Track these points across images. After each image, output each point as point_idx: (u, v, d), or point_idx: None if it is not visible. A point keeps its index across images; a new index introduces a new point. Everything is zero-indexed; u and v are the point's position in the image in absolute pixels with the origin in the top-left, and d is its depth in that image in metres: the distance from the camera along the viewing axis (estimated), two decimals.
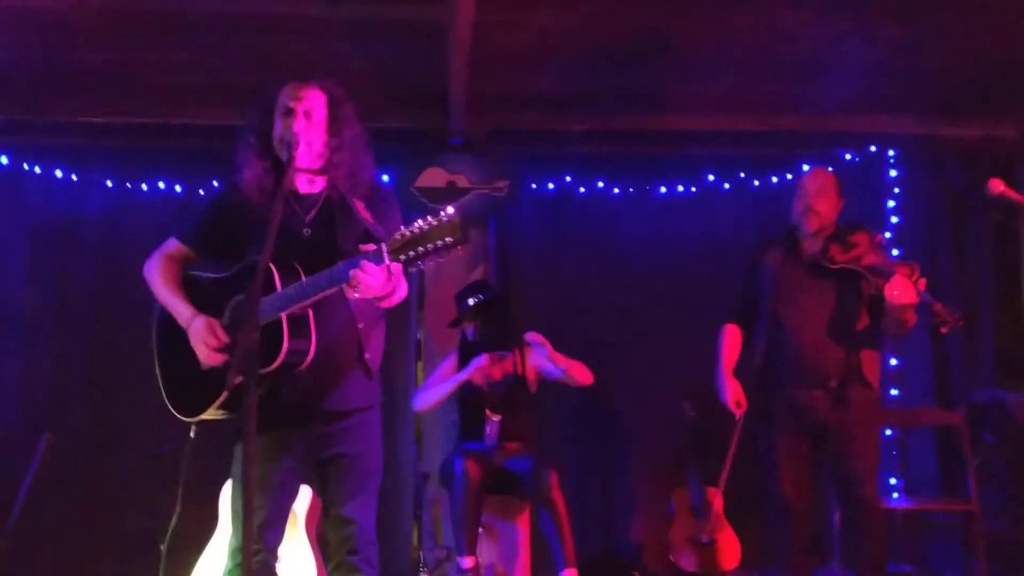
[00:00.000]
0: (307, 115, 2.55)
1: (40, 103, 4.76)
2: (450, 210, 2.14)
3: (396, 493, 4.85)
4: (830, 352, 3.49)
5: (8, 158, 4.90)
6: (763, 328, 3.66)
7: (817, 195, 3.62)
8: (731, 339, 3.80)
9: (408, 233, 2.16)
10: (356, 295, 2.32)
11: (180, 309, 2.57)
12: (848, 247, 3.51)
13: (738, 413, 3.75)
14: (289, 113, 2.54)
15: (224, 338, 2.47)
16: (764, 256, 3.74)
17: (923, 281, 3.30)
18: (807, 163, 5.22)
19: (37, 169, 4.94)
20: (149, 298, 2.68)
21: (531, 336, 4.16)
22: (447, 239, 2.12)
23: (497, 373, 4.28)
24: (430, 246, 2.13)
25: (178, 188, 5.02)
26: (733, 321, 3.83)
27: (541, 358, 4.20)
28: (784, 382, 3.56)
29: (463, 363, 4.38)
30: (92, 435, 4.75)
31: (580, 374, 4.24)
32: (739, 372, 3.80)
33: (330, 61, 4.30)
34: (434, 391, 4.30)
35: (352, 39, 4.20)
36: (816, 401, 3.49)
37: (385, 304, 2.52)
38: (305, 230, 2.59)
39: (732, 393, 3.71)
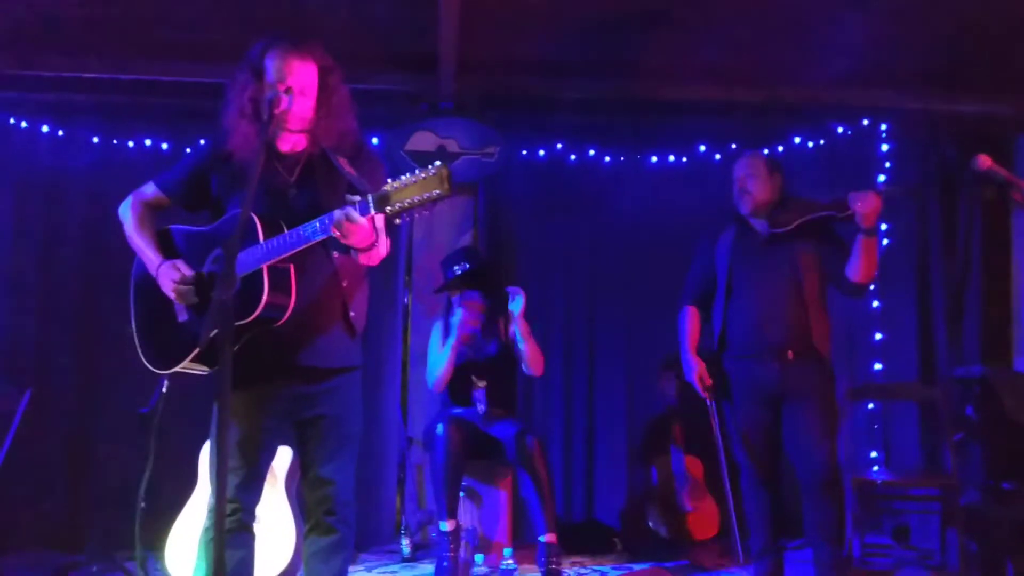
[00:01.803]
0: (302, 92, 2.52)
1: (27, 57, 4.70)
2: (438, 163, 2.13)
3: (380, 457, 4.87)
4: (785, 325, 3.64)
5: None
6: (720, 306, 3.81)
7: (747, 178, 3.79)
8: (691, 321, 3.96)
9: (395, 185, 2.16)
10: (340, 237, 2.30)
11: (150, 256, 2.58)
12: (795, 207, 3.69)
13: (702, 389, 3.88)
14: (287, 92, 2.48)
15: (187, 272, 2.48)
16: (716, 239, 3.89)
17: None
18: (799, 135, 5.22)
19: (23, 124, 4.90)
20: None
21: (512, 289, 4.20)
22: (434, 192, 2.11)
23: (474, 319, 4.26)
24: (416, 198, 2.13)
25: (164, 145, 4.99)
26: (691, 304, 3.98)
27: (514, 310, 4.20)
28: (742, 355, 3.71)
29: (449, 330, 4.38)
30: (75, 391, 4.76)
31: (534, 357, 4.25)
32: (702, 349, 3.92)
33: (321, 21, 4.25)
34: (439, 366, 4.27)
35: None
36: (773, 372, 3.63)
37: (365, 260, 2.51)
38: (290, 190, 2.57)
39: (696, 370, 3.87)
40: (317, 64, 2.56)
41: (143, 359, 2.59)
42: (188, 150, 4.90)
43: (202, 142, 4.75)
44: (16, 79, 4.78)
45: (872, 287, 4.62)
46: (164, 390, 3.55)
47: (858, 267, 3.58)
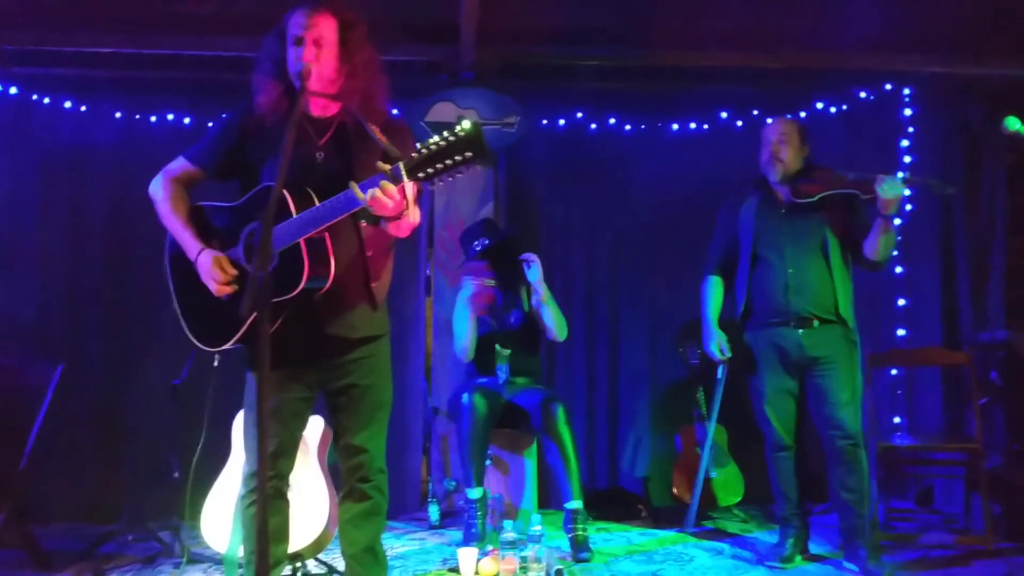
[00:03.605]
0: (317, 43, 2.50)
1: (49, 33, 4.71)
2: (467, 123, 2.09)
3: (406, 427, 4.92)
4: (810, 293, 3.68)
5: (17, 89, 4.87)
6: (744, 274, 3.84)
7: (781, 145, 3.78)
8: (714, 290, 4.01)
9: (425, 150, 2.12)
10: (371, 207, 2.26)
11: (188, 242, 2.57)
12: (820, 178, 3.68)
13: (720, 361, 3.99)
14: (299, 42, 2.50)
15: (232, 271, 2.48)
16: (739, 208, 3.91)
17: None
18: (821, 101, 5.19)
19: (46, 100, 4.92)
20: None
21: (527, 255, 4.22)
22: (466, 153, 2.08)
23: (482, 287, 4.28)
24: (448, 162, 2.10)
25: (187, 120, 5.00)
26: (714, 273, 4.02)
27: (533, 279, 4.21)
28: (768, 322, 3.75)
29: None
30: (106, 365, 4.82)
31: (557, 321, 4.27)
32: (725, 317, 3.99)
33: None
34: (462, 338, 4.30)
35: None
36: (798, 340, 3.68)
37: (395, 230, 2.50)
38: (318, 154, 2.57)
39: (716, 340, 3.95)
40: (336, 17, 2.54)
41: (192, 339, 2.60)
42: (210, 124, 4.89)
43: (224, 115, 4.81)
44: (38, 55, 4.81)
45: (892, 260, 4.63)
46: (216, 364, 3.58)
47: (875, 247, 3.62)
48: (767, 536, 4.29)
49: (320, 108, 2.61)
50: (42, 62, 4.83)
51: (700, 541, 4.26)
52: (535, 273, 4.21)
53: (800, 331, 3.67)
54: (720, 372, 4.12)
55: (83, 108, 4.95)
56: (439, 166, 2.11)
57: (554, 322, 4.26)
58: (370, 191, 2.23)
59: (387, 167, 2.21)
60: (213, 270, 2.47)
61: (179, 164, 2.69)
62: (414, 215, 2.45)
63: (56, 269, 4.85)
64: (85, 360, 4.71)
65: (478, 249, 4.32)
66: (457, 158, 2.09)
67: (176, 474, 3.92)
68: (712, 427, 4.39)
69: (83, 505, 4.65)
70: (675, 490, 4.76)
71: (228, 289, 2.47)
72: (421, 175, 2.14)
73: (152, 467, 4.30)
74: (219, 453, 3.51)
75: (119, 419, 4.77)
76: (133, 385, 4.73)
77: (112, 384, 4.80)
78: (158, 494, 4.20)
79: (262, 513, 2.05)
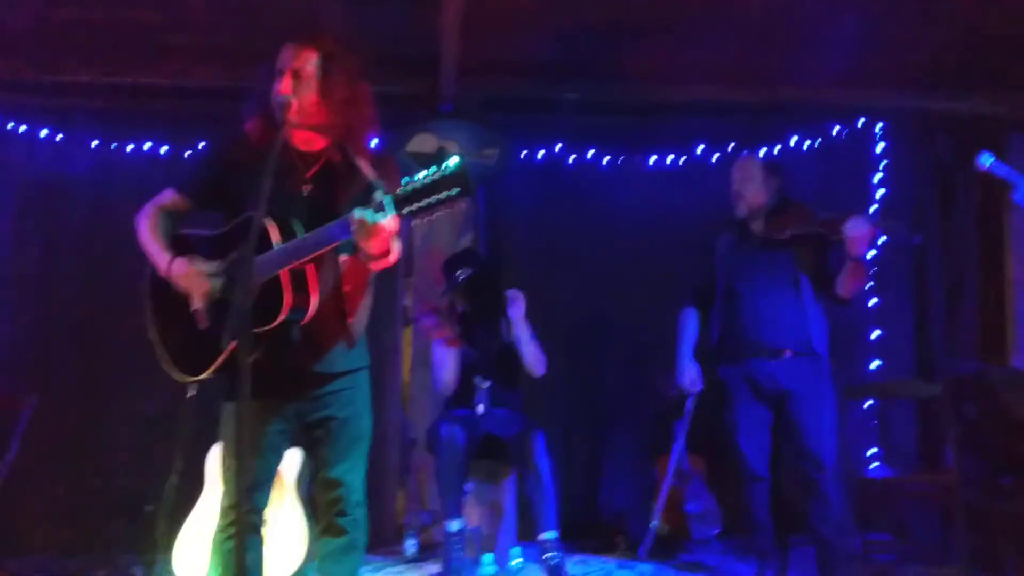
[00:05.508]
0: (296, 75, 2.50)
1: (25, 62, 4.69)
2: (454, 160, 2.09)
3: (382, 458, 4.88)
4: (783, 325, 3.70)
5: None
6: (719, 306, 3.87)
7: (741, 182, 3.86)
8: (690, 322, 4.03)
9: (411, 185, 2.12)
10: (360, 242, 2.25)
11: (158, 256, 2.54)
12: (792, 215, 3.73)
13: (690, 393, 4.05)
14: (280, 75, 2.52)
15: (205, 266, 2.46)
16: (717, 241, 3.96)
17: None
18: (796, 135, 5.26)
19: (22, 128, 4.90)
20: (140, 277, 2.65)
21: (511, 292, 4.23)
22: (452, 190, 2.08)
23: (441, 330, 4.30)
24: (434, 198, 2.09)
25: (164, 149, 4.99)
26: (691, 305, 4.04)
27: (514, 314, 4.22)
28: (742, 354, 3.76)
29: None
30: (80, 397, 4.75)
31: (536, 359, 4.27)
32: (700, 349, 4.01)
33: (322, 24, 4.26)
34: (444, 370, 4.29)
35: (344, 1, 4.17)
36: (772, 372, 3.69)
37: (378, 265, 2.49)
38: (304, 187, 2.56)
39: (688, 375, 3.98)
40: (319, 51, 2.53)
41: (167, 368, 2.56)
42: (187, 154, 4.90)
43: (201, 145, 4.81)
44: (14, 84, 4.79)
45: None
46: (189, 395, 3.53)
47: (846, 285, 3.65)
48: (746, 569, 4.27)
49: (304, 142, 2.60)
50: (19, 92, 4.82)
51: (680, 572, 4.25)
52: (517, 311, 4.21)
53: (773, 363, 3.69)
54: (689, 404, 4.14)
55: (59, 137, 4.94)
56: (424, 202, 2.11)
57: (531, 359, 4.25)
58: (354, 223, 2.22)
59: (376, 200, 2.19)
60: (189, 270, 2.46)
61: (167, 195, 2.68)
62: (395, 251, 2.45)
63: (31, 298, 4.81)
64: (59, 391, 4.64)
65: (461, 278, 4.31)
66: (443, 195, 2.09)
67: (150, 507, 3.86)
68: (676, 457, 4.38)
69: (57, 537, 4.57)
70: (654, 521, 4.74)
71: (206, 285, 2.44)
72: (406, 211, 2.14)
73: (126, 500, 4.24)
74: (193, 486, 3.46)
75: (93, 451, 4.70)
76: (107, 416, 4.67)
77: (86, 415, 4.73)
78: (132, 527, 4.14)
79: (240, 548, 2.03)
